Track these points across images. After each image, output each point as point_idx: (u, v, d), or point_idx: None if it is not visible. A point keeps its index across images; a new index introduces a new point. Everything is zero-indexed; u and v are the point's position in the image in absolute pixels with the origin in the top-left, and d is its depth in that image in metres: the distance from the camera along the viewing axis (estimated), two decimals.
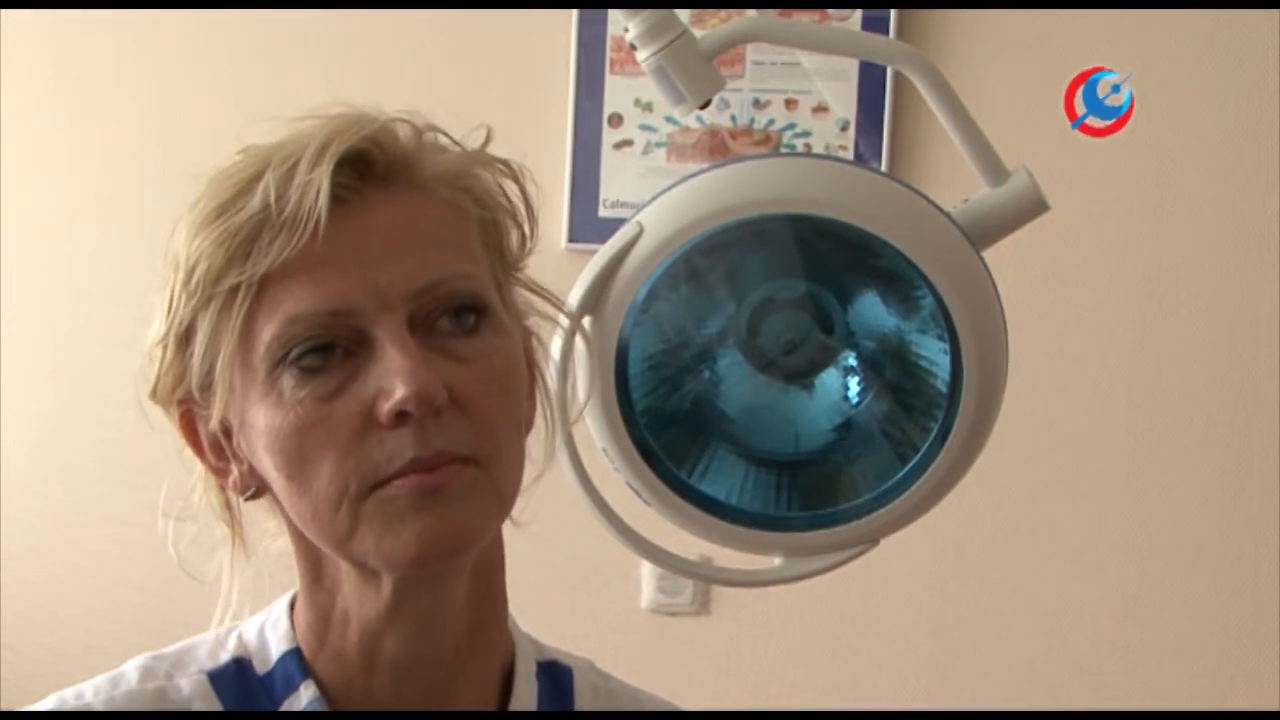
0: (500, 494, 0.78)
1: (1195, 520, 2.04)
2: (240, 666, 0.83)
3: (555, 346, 0.89)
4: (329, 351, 0.76)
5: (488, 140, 0.84)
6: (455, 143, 0.83)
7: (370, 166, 0.78)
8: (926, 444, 0.92)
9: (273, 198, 0.75)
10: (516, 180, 0.84)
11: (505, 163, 0.84)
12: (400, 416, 0.74)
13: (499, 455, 0.78)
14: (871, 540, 0.94)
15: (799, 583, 0.94)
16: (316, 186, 0.74)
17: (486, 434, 0.77)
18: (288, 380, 0.76)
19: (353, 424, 0.75)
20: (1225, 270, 2.02)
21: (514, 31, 2.14)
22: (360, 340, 0.76)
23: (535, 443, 0.85)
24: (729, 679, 2.12)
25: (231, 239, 0.75)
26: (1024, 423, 2.00)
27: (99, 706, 0.81)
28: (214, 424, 0.79)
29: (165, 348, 0.80)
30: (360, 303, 0.75)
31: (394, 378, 0.74)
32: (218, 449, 0.81)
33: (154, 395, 0.82)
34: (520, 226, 0.84)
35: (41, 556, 2.29)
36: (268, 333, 0.76)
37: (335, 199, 0.75)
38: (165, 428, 0.83)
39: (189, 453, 0.83)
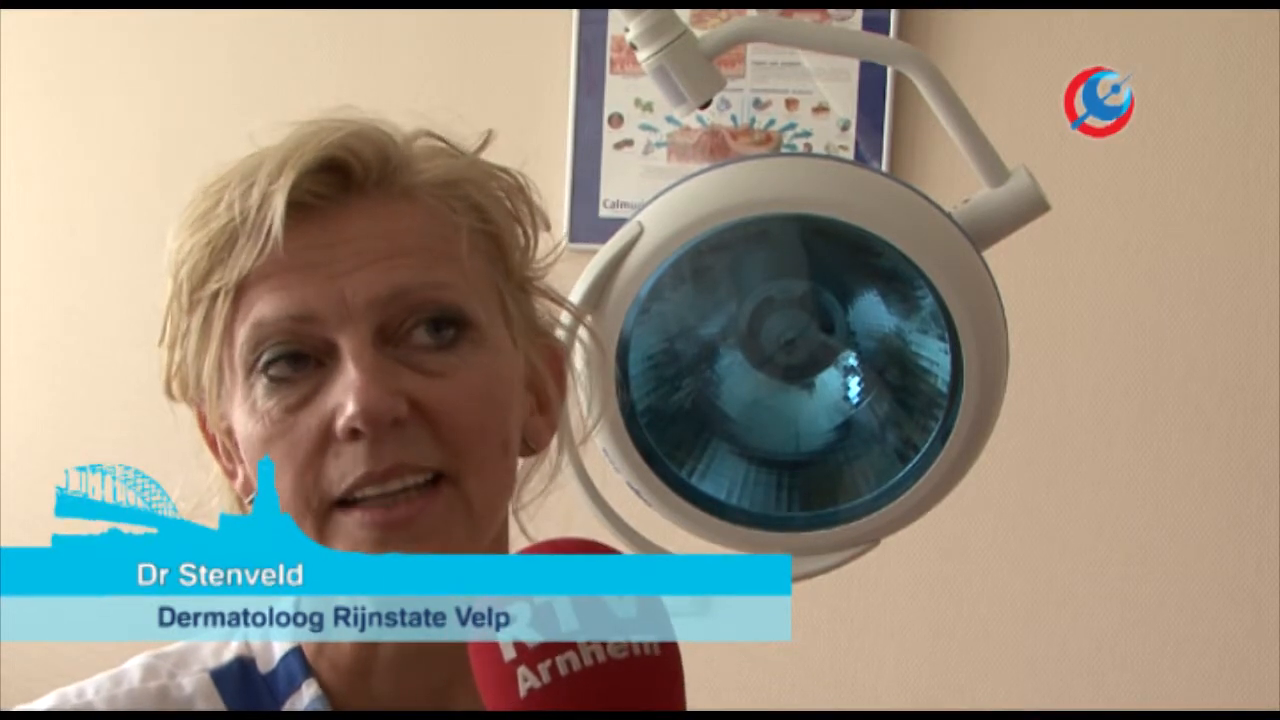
0: (473, 513, 0.77)
1: (1195, 520, 2.04)
2: (243, 665, 0.83)
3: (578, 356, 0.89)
4: (300, 362, 0.75)
5: (484, 145, 0.82)
6: (454, 149, 0.81)
7: (347, 174, 0.77)
8: (927, 444, 0.92)
9: (237, 209, 0.75)
10: (519, 189, 0.82)
11: (505, 170, 0.82)
12: (354, 433, 0.73)
13: (472, 470, 0.76)
14: (872, 540, 0.94)
15: (799, 583, 0.94)
16: (275, 198, 0.74)
17: (456, 448, 0.76)
18: (259, 389, 0.76)
19: (312, 438, 0.75)
20: (1225, 270, 2.02)
21: (514, 31, 2.14)
22: (329, 350, 0.75)
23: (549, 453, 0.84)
24: (729, 679, 2.12)
25: (210, 245, 0.76)
26: (1024, 423, 2.00)
27: (100, 705, 0.81)
28: (212, 427, 0.80)
29: (171, 349, 0.80)
30: (324, 310, 0.75)
31: (347, 393, 0.73)
32: (225, 451, 0.81)
33: (168, 393, 0.82)
34: (526, 235, 0.82)
35: None
36: (240, 337, 0.76)
37: (306, 207, 0.75)
38: (166, 434, 0.83)
39: (207, 454, 0.83)
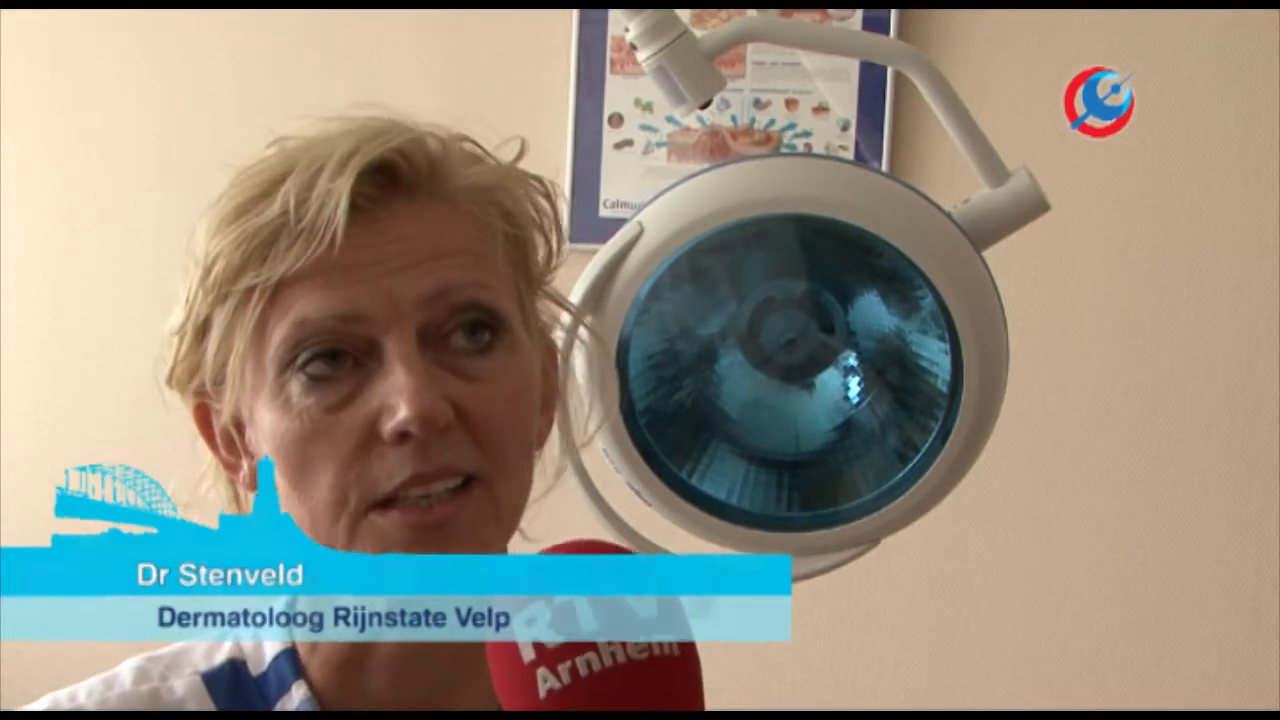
0: (501, 516, 0.78)
1: (1195, 520, 2.04)
2: (234, 668, 0.83)
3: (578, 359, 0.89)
4: (339, 360, 0.75)
5: (521, 154, 0.83)
6: (488, 155, 0.82)
7: (395, 177, 0.77)
8: (927, 444, 0.92)
9: (292, 204, 0.75)
10: (548, 198, 0.83)
11: (538, 179, 0.83)
12: (403, 435, 0.74)
13: (503, 474, 0.77)
14: (872, 540, 0.94)
15: (799, 583, 0.94)
16: (336, 197, 0.74)
17: (492, 453, 0.76)
18: (295, 386, 0.76)
19: (355, 437, 0.75)
20: (1225, 270, 2.02)
21: (514, 31, 2.14)
22: (370, 350, 0.75)
23: (549, 455, 0.85)
24: (729, 679, 2.12)
25: (249, 241, 0.75)
26: (1024, 423, 2.00)
27: (92, 708, 0.81)
28: (225, 419, 0.79)
29: (182, 338, 0.80)
30: (371, 309, 0.75)
31: (398, 397, 0.73)
32: (229, 443, 0.81)
33: (170, 382, 0.82)
34: (549, 242, 0.84)
35: None
36: (278, 335, 0.76)
37: (356, 208, 0.75)
38: (165, 434, 0.83)
39: (201, 443, 0.83)
